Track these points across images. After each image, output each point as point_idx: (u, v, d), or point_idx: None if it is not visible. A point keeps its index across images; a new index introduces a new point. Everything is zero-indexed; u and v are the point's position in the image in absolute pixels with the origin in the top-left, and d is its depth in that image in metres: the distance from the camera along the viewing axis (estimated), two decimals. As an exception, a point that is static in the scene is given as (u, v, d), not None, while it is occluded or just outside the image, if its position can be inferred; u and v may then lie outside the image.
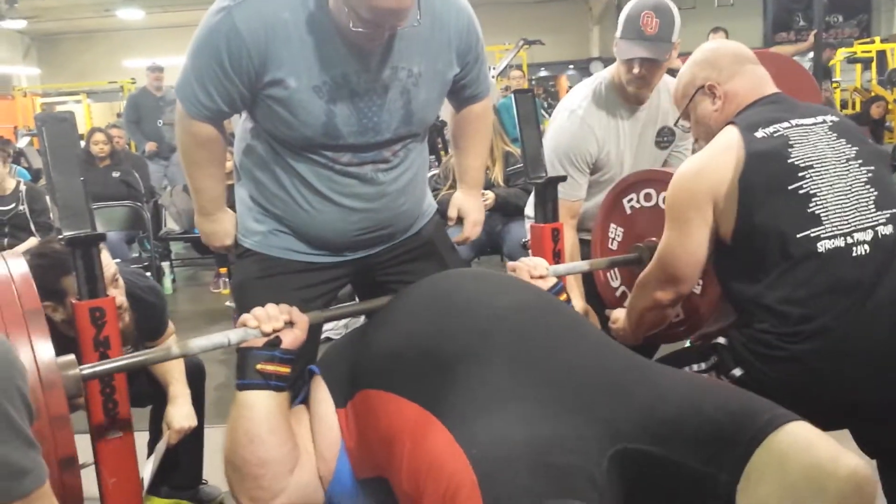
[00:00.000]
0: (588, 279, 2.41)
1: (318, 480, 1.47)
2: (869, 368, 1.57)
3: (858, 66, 11.30)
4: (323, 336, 2.70)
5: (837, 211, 1.61)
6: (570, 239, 2.41)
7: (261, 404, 1.43)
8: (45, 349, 1.32)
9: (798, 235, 1.59)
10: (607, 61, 2.61)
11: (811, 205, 1.61)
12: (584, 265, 2.18)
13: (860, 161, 1.67)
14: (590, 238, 2.41)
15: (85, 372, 1.41)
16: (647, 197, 2.17)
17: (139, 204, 5.67)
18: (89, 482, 1.57)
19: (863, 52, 11.15)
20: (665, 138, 2.52)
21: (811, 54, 7.06)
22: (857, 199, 1.63)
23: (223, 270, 5.48)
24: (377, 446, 1.38)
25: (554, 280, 1.82)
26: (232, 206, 1.92)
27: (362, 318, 3.93)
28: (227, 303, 4.92)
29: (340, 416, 1.48)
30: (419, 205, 1.96)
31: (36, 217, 4.75)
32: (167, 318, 2.38)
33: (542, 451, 1.14)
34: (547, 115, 8.03)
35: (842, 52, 10.93)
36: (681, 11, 2.33)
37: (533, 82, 12.98)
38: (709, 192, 1.69)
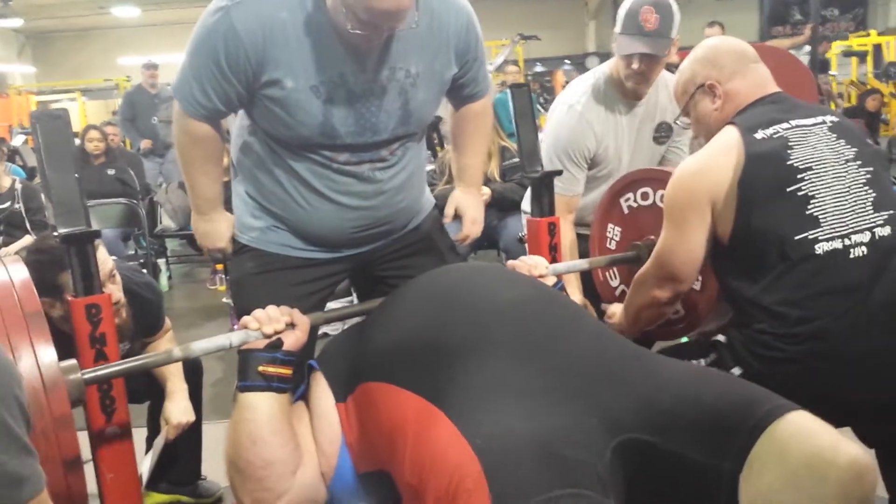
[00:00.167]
0: (586, 278, 2.41)
1: (320, 479, 1.47)
2: (867, 370, 1.58)
3: (854, 60, 11.32)
4: (320, 332, 2.70)
5: (835, 213, 1.61)
6: (567, 234, 2.41)
7: (263, 406, 1.43)
8: (47, 352, 1.31)
9: (796, 237, 1.59)
10: (603, 56, 2.61)
11: (809, 207, 1.61)
12: (583, 263, 2.18)
13: (859, 162, 1.67)
14: (588, 233, 2.41)
15: (87, 376, 1.41)
16: (644, 196, 2.17)
17: (134, 201, 5.66)
18: (88, 478, 1.57)
19: (859, 45, 11.18)
20: (663, 133, 2.52)
21: (807, 48, 7.06)
22: (855, 201, 1.63)
23: (219, 267, 5.48)
24: (378, 439, 1.38)
25: (554, 279, 1.81)
26: (229, 202, 1.91)
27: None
28: (224, 299, 4.92)
29: (341, 411, 1.48)
30: (417, 201, 1.96)
31: (31, 215, 4.74)
32: (164, 314, 2.37)
33: (546, 443, 1.14)
34: (543, 111, 8.04)
35: (838, 46, 10.95)
36: (677, 5, 2.33)
37: (529, 77, 12.97)
38: (708, 193, 1.68)
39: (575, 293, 2.33)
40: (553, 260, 2.06)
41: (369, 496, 1.46)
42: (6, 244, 4.55)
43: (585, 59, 14.84)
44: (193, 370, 2.33)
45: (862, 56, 11.25)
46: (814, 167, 1.63)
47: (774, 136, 1.66)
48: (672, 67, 2.46)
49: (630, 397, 1.25)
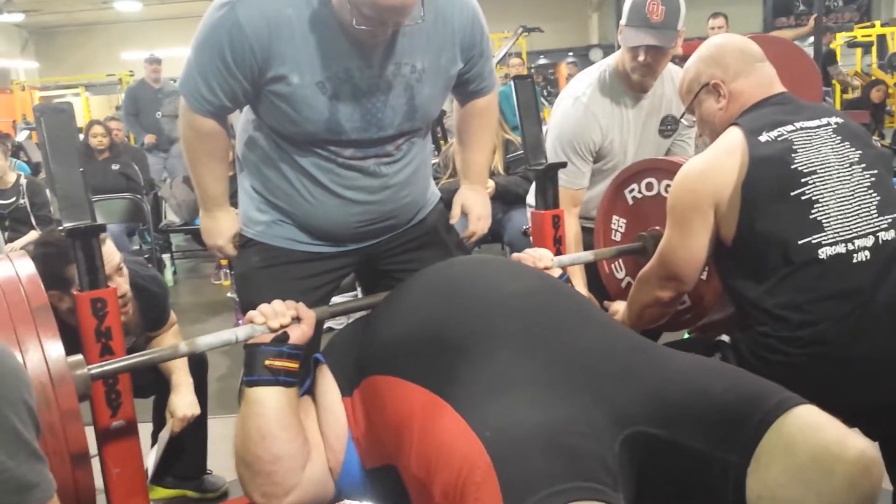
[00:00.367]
0: (591, 270, 2.41)
1: (329, 474, 1.47)
2: (869, 373, 1.58)
3: (859, 51, 11.28)
4: (325, 326, 2.70)
5: (839, 217, 1.60)
6: (572, 227, 2.40)
7: (271, 400, 1.43)
8: (54, 347, 1.32)
9: (800, 242, 1.59)
10: (606, 48, 2.61)
11: (813, 211, 1.60)
12: (588, 255, 2.18)
13: (864, 165, 1.66)
14: (593, 226, 2.41)
15: (94, 371, 1.41)
16: (649, 186, 2.17)
17: (139, 196, 5.67)
18: (94, 473, 1.58)
19: (863, 36, 11.13)
20: (668, 127, 2.51)
21: (811, 39, 7.03)
22: (859, 205, 1.62)
23: (224, 262, 5.48)
24: (384, 433, 1.38)
25: (559, 271, 1.81)
26: (235, 196, 1.91)
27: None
28: (229, 294, 4.93)
29: (347, 406, 1.48)
30: (422, 195, 1.96)
31: (36, 210, 4.75)
32: (169, 308, 2.38)
33: (554, 435, 1.14)
34: (547, 103, 8.03)
35: (842, 37, 10.90)
36: (682, -3, 2.32)
37: (532, 70, 12.94)
38: (711, 195, 1.68)
39: (580, 286, 2.32)
40: (557, 253, 2.06)
41: (376, 491, 1.46)
42: (12, 240, 4.56)
43: (588, 51, 14.83)
44: (198, 365, 2.33)
45: (866, 47, 11.22)
46: (818, 171, 1.62)
47: (779, 139, 1.65)
48: (677, 60, 2.45)
49: (638, 390, 1.25)
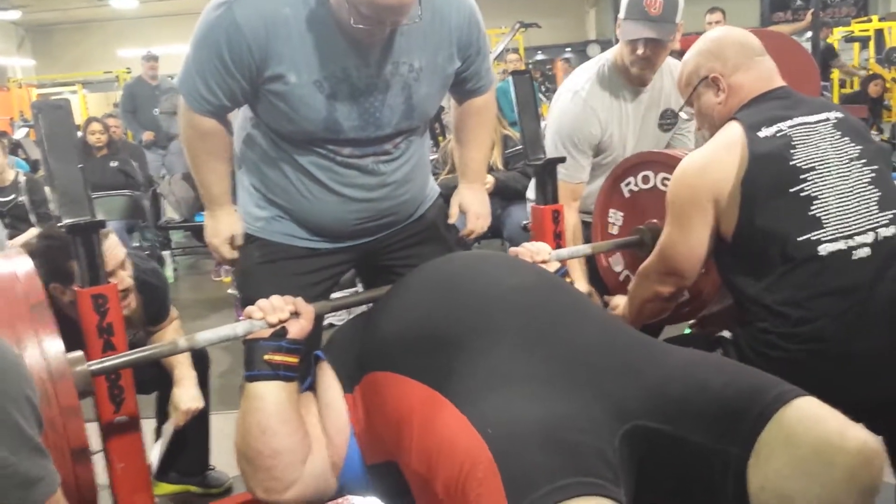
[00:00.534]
0: (590, 265, 2.41)
1: (330, 469, 1.47)
2: (868, 369, 1.58)
3: (856, 45, 11.26)
4: (326, 322, 2.70)
5: (839, 213, 1.60)
6: (571, 220, 2.40)
7: (271, 395, 1.43)
8: (53, 343, 1.32)
9: (799, 239, 1.59)
10: (604, 44, 2.61)
11: (812, 208, 1.60)
12: (586, 248, 2.18)
13: (864, 161, 1.66)
14: (591, 220, 2.41)
15: (94, 368, 1.42)
16: (645, 179, 2.17)
17: (138, 193, 5.67)
18: (98, 468, 1.59)
19: (860, 30, 11.11)
20: (668, 121, 2.51)
21: (809, 34, 7.03)
22: (858, 201, 1.62)
23: (223, 259, 5.47)
24: (385, 429, 1.38)
25: (557, 265, 1.81)
26: (232, 192, 1.91)
27: (365, 305, 3.93)
28: (229, 290, 4.93)
29: (349, 402, 1.48)
30: (421, 192, 1.96)
31: (35, 208, 4.74)
32: (170, 302, 2.38)
33: (555, 430, 1.14)
34: (545, 99, 8.02)
35: (839, 31, 10.89)
36: (681, -9, 2.32)
37: (530, 66, 12.93)
38: (711, 191, 1.68)
39: (580, 281, 2.33)
40: (557, 247, 2.06)
41: (378, 487, 1.47)
42: (11, 237, 4.54)
43: (586, 46, 14.80)
44: (200, 360, 2.33)
45: (864, 41, 11.19)
46: (817, 167, 1.62)
47: (778, 135, 1.65)
48: (675, 54, 2.45)
49: (637, 385, 1.25)
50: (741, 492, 1.16)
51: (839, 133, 1.68)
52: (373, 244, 1.91)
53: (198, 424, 2.26)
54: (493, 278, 1.50)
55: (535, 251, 1.80)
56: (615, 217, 2.28)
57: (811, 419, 1.15)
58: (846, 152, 1.66)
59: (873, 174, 1.66)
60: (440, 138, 5.44)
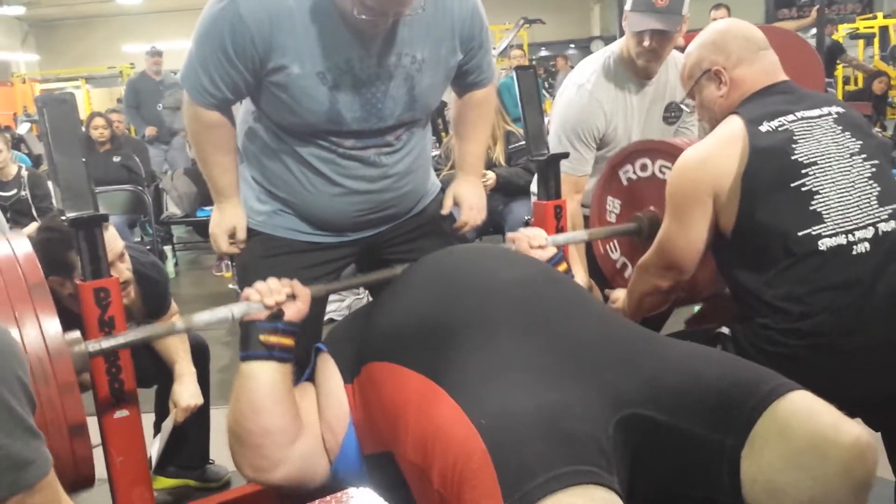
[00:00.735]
0: (590, 257, 2.41)
1: (320, 452, 1.49)
2: (870, 365, 1.58)
3: (861, 42, 11.23)
4: (326, 317, 2.70)
5: (839, 208, 1.60)
6: (572, 209, 2.40)
7: (264, 375, 1.46)
8: (51, 322, 1.34)
9: (799, 234, 1.59)
10: (608, 40, 2.60)
11: (813, 202, 1.60)
12: (583, 234, 2.18)
13: (864, 155, 1.66)
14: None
15: (91, 349, 1.43)
16: (643, 167, 2.16)
17: (140, 188, 5.67)
18: (97, 462, 1.59)
19: (865, 27, 11.09)
20: (673, 114, 2.51)
21: (814, 30, 7.02)
22: (859, 196, 1.62)
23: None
24: (382, 419, 1.40)
25: (553, 250, 1.82)
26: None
27: (365, 299, 3.94)
28: (230, 285, 4.94)
29: (349, 392, 1.50)
30: (422, 185, 1.96)
31: (38, 202, 4.75)
32: (170, 296, 2.38)
33: (550, 419, 1.15)
34: (548, 96, 8.01)
35: (844, 28, 10.87)
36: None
37: (533, 62, 12.92)
38: (710, 185, 1.67)
39: (581, 274, 2.32)
40: (564, 259, 2.06)
41: (374, 477, 1.47)
42: (13, 231, 4.56)
43: (590, 42, 14.78)
44: (200, 355, 2.34)
45: (868, 38, 11.17)
46: (818, 162, 1.62)
47: (779, 129, 1.65)
48: (679, 50, 2.45)
49: (633, 374, 1.26)
50: (735, 482, 1.16)
51: (840, 128, 1.68)
52: (374, 238, 1.91)
53: (197, 419, 2.26)
54: (492, 271, 1.51)
55: (532, 236, 1.81)
56: (613, 205, 2.28)
57: (805, 413, 1.16)
58: (847, 147, 1.66)
59: (874, 169, 1.65)
60: (443, 134, 5.44)
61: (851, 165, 1.64)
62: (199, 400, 2.19)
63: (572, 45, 16.34)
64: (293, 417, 1.46)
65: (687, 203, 1.72)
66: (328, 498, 1.32)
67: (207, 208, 5.74)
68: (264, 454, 1.44)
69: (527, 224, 2.60)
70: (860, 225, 1.60)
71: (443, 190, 2.08)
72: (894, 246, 1.61)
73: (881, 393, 1.61)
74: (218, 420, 2.46)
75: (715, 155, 1.69)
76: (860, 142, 1.67)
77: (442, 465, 1.17)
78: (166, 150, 7.34)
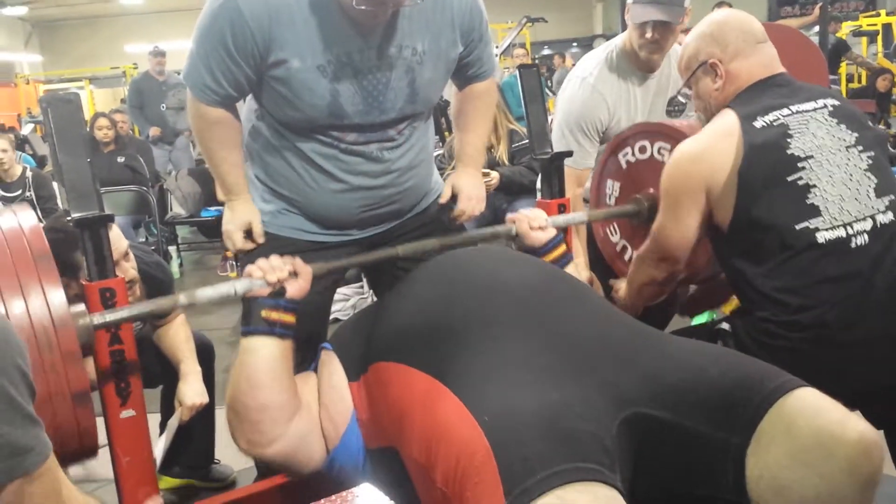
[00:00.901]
0: (592, 246, 2.41)
1: (317, 435, 1.51)
2: (868, 356, 1.58)
3: (864, 40, 11.21)
4: (331, 317, 2.71)
5: (836, 201, 1.60)
6: (573, 199, 2.39)
7: (264, 350, 1.48)
8: (56, 292, 1.35)
9: (797, 227, 1.59)
10: (611, 38, 2.60)
11: (810, 196, 1.60)
12: (582, 216, 2.19)
13: (860, 147, 1.66)
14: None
15: (96, 321, 1.45)
16: (642, 149, 2.17)
17: (145, 188, 5.68)
18: (103, 462, 1.59)
19: (868, 25, 11.06)
20: (676, 107, 2.50)
21: (817, 28, 7.00)
22: (856, 188, 1.62)
23: (230, 254, 5.49)
24: (388, 417, 1.41)
25: (553, 231, 1.83)
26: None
27: (370, 298, 3.94)
28: (235, 285, 4.93)
29: (353, 389, 1.51)
30: (425, 182, 1.96)
31: (42, 203, 4.76)
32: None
33: (552, 417, 1.15)
34: (551, 94, 8.00)
35: (847, 26, 10.84)
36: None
37: (536, 60, 12.91)
38: (703, 180, 1.68)
39: (582, 269, 2.31)
40: (564, 241, 2.06)
41: (378, 472, 1.49)
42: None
43: (593, 41, 14.76)
44: (205, 355, 2.34)
45: (872, 36, 11.14)
46: (814, 155, 1.62)
47: (774, 124, 1.65)
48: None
49: (636, 373, 1.26)
50: (740, 479, 1.17)
51: (835, 120, 1.68)
52: (378, 237, 1.92)
53: (203, 419, 2.26)
54: (494, 272, 1.52)
55: (533, 217, 1.82)
56: (612, 188, 2.28)
57: (812, 409, 1.16)
58: (843, 139, 1.66)
59: (870, 161, 1.66)
60: (446, 133, 5.44)
61: (848, 158, 1.64)
62: (205, 399, 2.19)
63: (575, 44, 16.33)
64: (291, 395, 1.49)
65: (680, 197, 1.73)
66: (334, 497, 1.33)
67: (212, 208, 5.76)
68: (260, 429, 1.47)
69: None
70: (858, 217, 1.60)
71: (452, 203, 2.07)
72: (893, 237, 1.61)
73: (881, 386, 1.62)
74: (223, 420, 2.47)
75: (708, 150, 1.69)
76: (856, 134, 1.67)
77: (445, 464, 1.18)
78: (170, 151, 7.34)
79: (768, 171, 1.62)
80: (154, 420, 2.17)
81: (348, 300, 4.14)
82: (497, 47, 8.09)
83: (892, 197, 1.64)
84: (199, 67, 1.67)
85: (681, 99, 2.12)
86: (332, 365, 1.55)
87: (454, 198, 1.97)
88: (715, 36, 1.81)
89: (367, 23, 1.61)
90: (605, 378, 1.25)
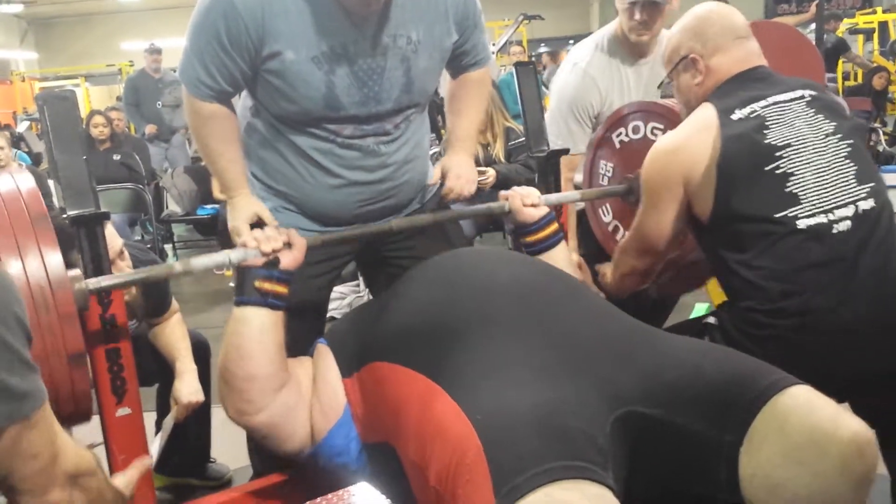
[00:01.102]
0: (588, 232, 2.41)
1: (303, 407, 1.53)
2: (854, 342, 1.58)
3: (860, 38, 11.23)
4: (328, 315, 2.71)
5: (816, 189, 1.61)
6: (563, 181, 2.39)
7: (256, 320, 1.49)
8: (53, 255, 1.35)
9: (776, 216, 1.60)
10: (609, 36, 2.60)
11: (789, 184, 1.61)
12: (575, 195, 2.20)
13: (839, 136, 1.67)
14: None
15: (91, 286, 1.45)
16: (636, 129, 2.18)
17: (141, 186, 5.67)
18: (99, 460, 1.59)
19: (864, 22, 11.08)
20: (670, 94, 2.51)
21: (813, 25, 7.00)
22: (836, 175, 1.63)
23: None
24: (384, 415, 1.41)
25: (545, 209, 1.84)
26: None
27: (366, 298, 3.93)
28: (231, 284, 4.92)
29: (347, 385, 1.52)
30: (421, 176, 1.96)
31: (38, 201, 4.74)
32: (170, 294, 2.37)
33: (545, 416, 1.15)
34: (547, 91, 8.00)
35: (844, 23, 10.85)
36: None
37: (533, 58, 12.90)
38: (681, 173, 1.70)
39: (571, 240, 2.31)
40: (560, 238, 2.06)
41: (374, 466, 1.50)
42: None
43: (589, 39, 14.73)
44: (202, 352, 2.34)
45: (868, 34, 11.16)
46: (792, 144, 1.63)
47: (751, 116, 1.66)
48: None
49: (631, 371, 1.27)
50: (733, 477, 1.17)
51: (813, 110, 1.69)
52: (375, 235, 1.91)
53: (198, 417, 2.26)
54: (489, 272, 1.53)
55: (525, 194, 1.84)
56: (606, 168, 2.29)
57: (805, 408, 1.16)
58: (821, 128, 1.67)
59: (849, 149, 1.66)
60: (442, 131, 5.44)
61: (826, 146, 1.65)
62: (200, 397, 2.18)
63: (571, 42, 16.31)
64: (279, 366, 1.50)
65: (659, 190, 1.75)
66: (330, 496, 1.34)
67: (208, 206, 5.75)
68: (248, 398, 1.49)
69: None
70: (839, 204, 1.61)
71: (442, 185, 2.07)
72: (874, 223, 1.62)
73: (871, 373, 1.61)
74: (219, 418, 2.47)
75: (686, 143, 1.71)
76: (834, 123, 1.69)
77: (438, 463, 1.19)
78: (166, 148, 7.34)
79: (746, 162, 1.63)
80: (150, 418, 2.17)
81: (344, 298, 4.14)
82: (494, 45, 8.09)
83: (873, 184, 1.65)
84: (194, 63, 1.66)
85: (665, 89, 2.13)
86: (325, 360, 1.56)
87: (445, 179, 1.94)
88: (696, 30, 1.82)
89: (360, 12, 1.61)
90: (601, 376, 1.26)
